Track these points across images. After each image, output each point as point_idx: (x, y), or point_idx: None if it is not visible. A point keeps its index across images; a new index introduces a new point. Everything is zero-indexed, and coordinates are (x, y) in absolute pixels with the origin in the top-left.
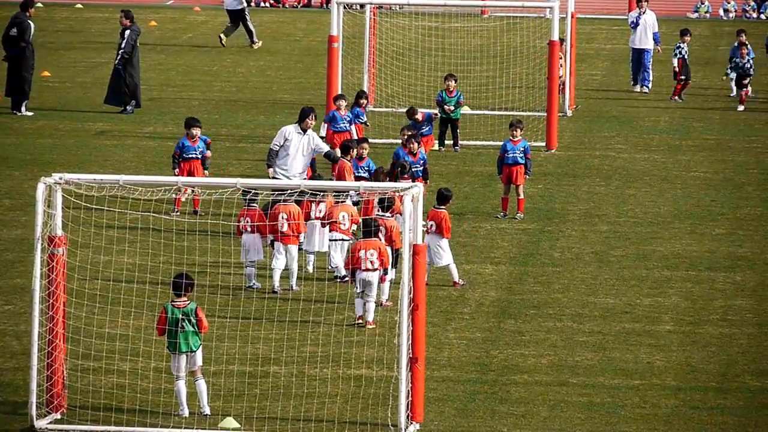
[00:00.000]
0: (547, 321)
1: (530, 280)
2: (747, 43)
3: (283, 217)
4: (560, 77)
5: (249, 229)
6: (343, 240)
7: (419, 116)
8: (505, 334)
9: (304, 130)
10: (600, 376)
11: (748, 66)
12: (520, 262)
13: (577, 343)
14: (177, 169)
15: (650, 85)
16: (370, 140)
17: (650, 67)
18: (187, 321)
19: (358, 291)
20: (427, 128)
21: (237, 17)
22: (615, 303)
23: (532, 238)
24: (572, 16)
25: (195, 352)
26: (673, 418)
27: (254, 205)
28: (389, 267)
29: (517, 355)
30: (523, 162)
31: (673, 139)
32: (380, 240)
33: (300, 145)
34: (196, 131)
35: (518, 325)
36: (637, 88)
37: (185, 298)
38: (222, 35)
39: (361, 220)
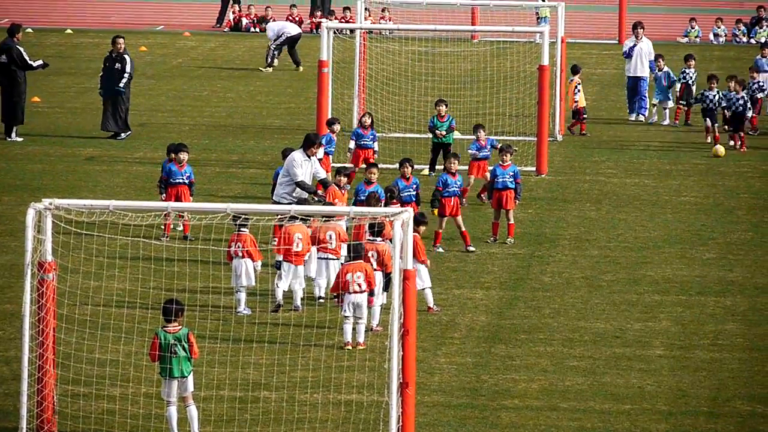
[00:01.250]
0: (538, 346)
1: (521, 304)
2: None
3: (298, 237)
4: (575, 102)
5: (240, 254)
6: (328, 259)
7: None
8: (496, 359)
9: (310, 156)
10: (591, 401)
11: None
12: (510, 286)
13: (567, 368)
14: (164, 194)
15: (647, 113)
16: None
17: (646, 94)
18: (179, 346)
19: (347, 314)
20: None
21: (294, 43)
22: (606, 328)
23: (522, 263)
24: (562, 41)
25: (186, 377)
26: None
27: (244, 230)
28: (379, 290)
29: (507, 379)
30: (513, 187)
31: (663, 163)
32: (368, 263)
33: (307, 171)
34: (184, 156)
35: (509, 350)
36: (633, 117)
37: (177, 324)
38: (269, 62)
39: (347, 244)
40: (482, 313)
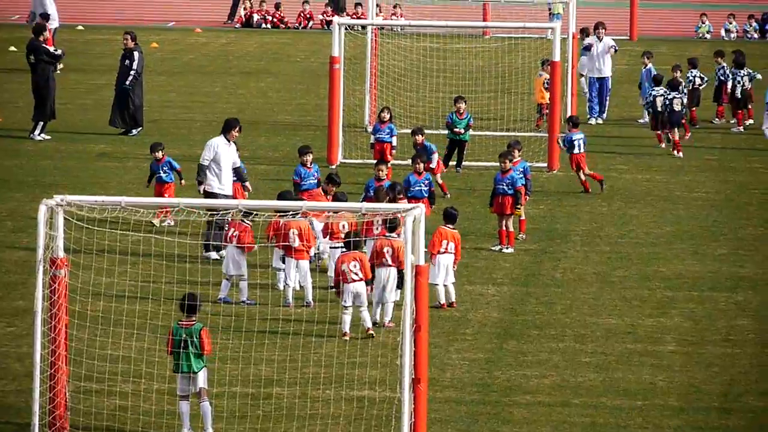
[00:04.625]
0: (550, 341)
1: (532, 300)
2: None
3: (294, 233)
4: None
5: (234, 241)
6: (335, 248)
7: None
8: (508, 354)
9: (230, 140)
10: (603, 397)
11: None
12: (522, 282)
13: (579, 364)
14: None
15: (605, 116)
16: (367, 161)
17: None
18: (190, 341)
19: (348, 305)
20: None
21: None
22: (617, 323)
23: (534, 259)
24: (573, 37)
25: (197, 373)
26: None
27: (246, 220)
28: (393, 287)
29: (519, 375)
30: (512, 193)
31: (675, 159)
32: (383, 257)
33: (229, 157)
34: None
35: (520, 346)
36: (593, 120)
37: (192, 319)
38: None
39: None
40: (494, 309)
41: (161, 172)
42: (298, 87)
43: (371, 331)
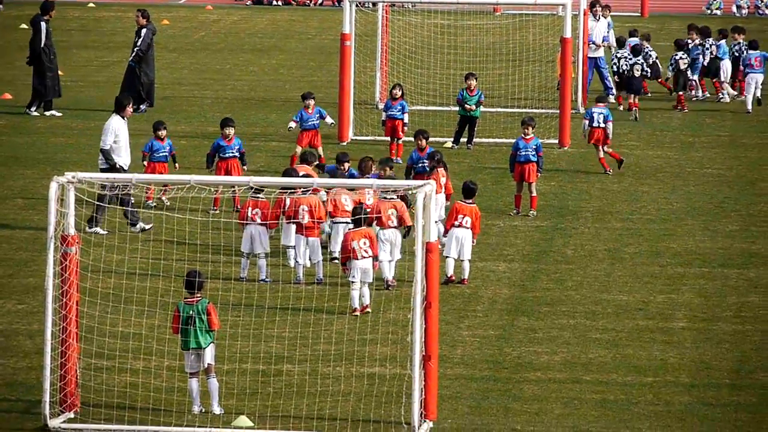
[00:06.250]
0: (561, 318)
1: (543, 277)
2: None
3: (303, 209)
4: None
5: (257, 220)
6: (338, 223)
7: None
8: (519, 331)
9: (124, 118)
10: (613, 373)
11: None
12: (533, 259)
13: (590, 340)
14: (213, 169)
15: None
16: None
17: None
18: (198, 318)
19: (355, 280)
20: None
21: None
22: (628, 300)
23: (545, 236)
24: (585, 14)
25: (204, 349)
26: (687, 415)
27: (261, 196)
28: (397, 245)
29: (530, 352)
30: (536, 160)
31: (686, 135)
32: (388, 221)
33: (126, 133)
34: (230, 131)
35: (531, 323)
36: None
37: (197, 295)
38: None
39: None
40: (505, 286)
41: (231, 151)
42: (309, 64)
43: (357, 313)
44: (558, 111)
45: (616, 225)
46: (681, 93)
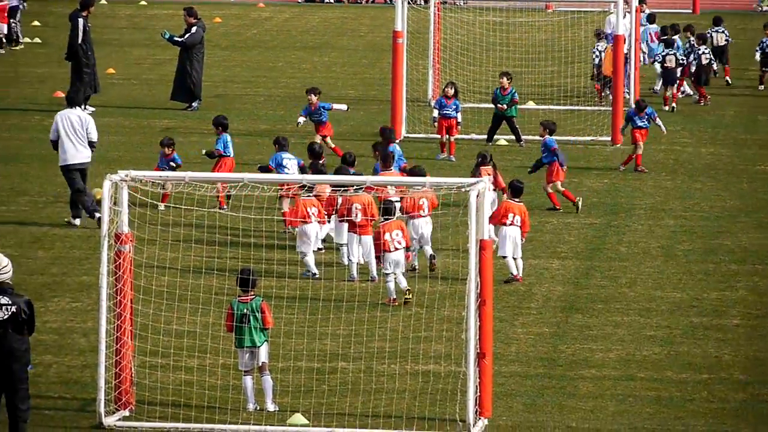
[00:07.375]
0: (615, 315)
1: (597, 274)
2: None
3: (357, 208)
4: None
5: (314, 218)
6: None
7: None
8: (573, 328)
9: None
10: (668, 371)
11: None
12: (586, 256)
13: (644, 338)
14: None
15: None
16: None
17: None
18: (252, 316)
19: (389, 271)
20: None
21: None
22: (682, 297)
23: (598, 233)
24: (636, 11)
25: (259, 347)
26: (742, 412)
27: (311, 195)
28: (428, 234)
29: (584, 349)
30: (547, 160)
31: (739, 133)
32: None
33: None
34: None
35: (585, 320)
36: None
37: (251, 293)
38: None
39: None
40: (559, 283)
41: (166, 166)
42: (362, 61)
43: (395, 303)
44: (611, 108)
45: (670, 222)
46: (703, 87)
